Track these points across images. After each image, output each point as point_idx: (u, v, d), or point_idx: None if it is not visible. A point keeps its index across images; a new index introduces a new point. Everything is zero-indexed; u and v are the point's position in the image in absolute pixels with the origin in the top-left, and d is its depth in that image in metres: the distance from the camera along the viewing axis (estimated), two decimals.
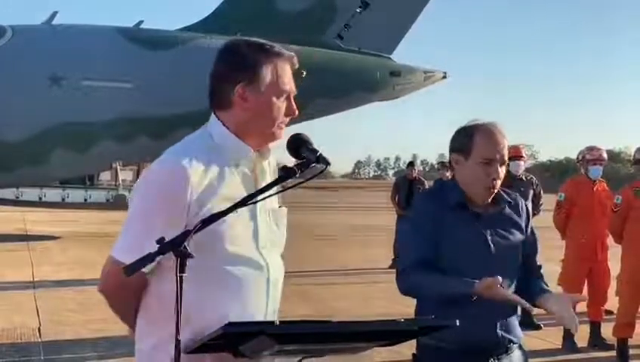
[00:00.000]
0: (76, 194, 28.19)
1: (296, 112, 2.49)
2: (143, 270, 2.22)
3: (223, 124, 2.46)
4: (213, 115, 2.51)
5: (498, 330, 3.19)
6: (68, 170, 18.67)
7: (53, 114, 16.24)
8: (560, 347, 8.33)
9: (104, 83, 16.76)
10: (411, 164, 16.59)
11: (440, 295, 3.05)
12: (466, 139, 3.24)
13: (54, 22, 18.10)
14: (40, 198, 24.67)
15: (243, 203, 2.23)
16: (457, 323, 2.37)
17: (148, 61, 17.10)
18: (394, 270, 12.45)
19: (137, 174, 34.33)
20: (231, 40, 2.55)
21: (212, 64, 2.50)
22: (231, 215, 2.24)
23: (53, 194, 25.94)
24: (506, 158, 3.24)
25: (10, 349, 7.53)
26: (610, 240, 8.55)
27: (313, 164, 2.28)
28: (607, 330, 8.32)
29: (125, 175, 32.06)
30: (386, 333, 2.34)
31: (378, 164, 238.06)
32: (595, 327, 8.57)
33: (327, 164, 2.27)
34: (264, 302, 2.44)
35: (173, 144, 2.48)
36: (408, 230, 3.29)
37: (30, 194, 22.85)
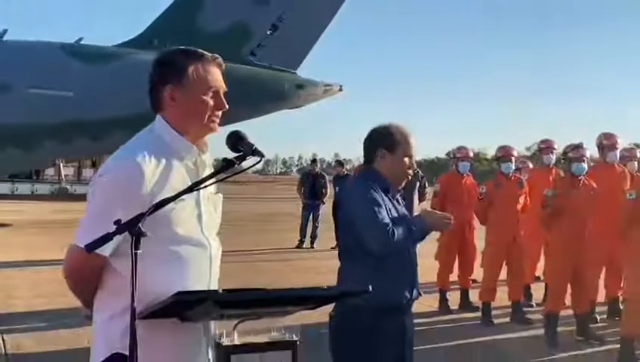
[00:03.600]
0: (24, 187, 27.24)
1: (226, 106, 2.39)
2: (105, 254, 2.18)
3: (167, 123, 2.37)
4: (158, 115, 2.41)
5: (414, 290, 3.24)
6: (17, 166, 17.98)
7: (3, 117, 15.64)
8: (437, 309, 8.54)
9: (48, 91, 16.21)
10: (314, 161, 16.76)
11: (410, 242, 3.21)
12: (390, 136, 3.32)
13: (5, 38, 17.49)
14: None
15: (189, 190, 2.16)
16: (371, 289, 2.36)
17: (87, 73, 16.63)
18: (301, 249, 12.57)
19: (78, 170, 33.53)
20: (164, 50, 2.48)
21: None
22: (179, 202, 2.17)
23: (2, 187, 24.91)
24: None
25: None
26: (476, 222, 8.79)
27: (249, 157, 2.22)
28: (474, 295, 8.56)
29: (67, 170, 31.34)
30: (312, 298, 2.33)
31: (284, 162, 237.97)
32: (465, 293, 8.82)
33: (262, 156, 2.21)
34: (207, 276, 2.37)
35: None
36: (369, 208, 3.16)
37: None
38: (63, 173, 30.14)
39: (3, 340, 6.48)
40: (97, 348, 2.27)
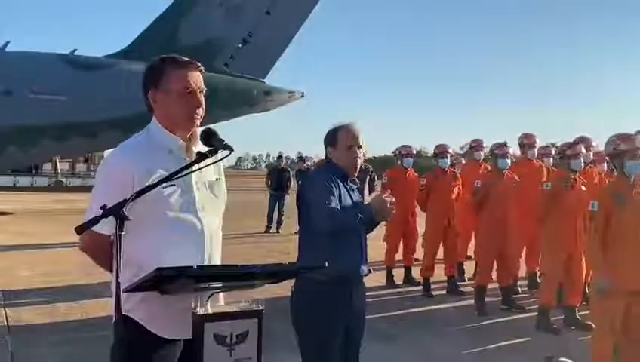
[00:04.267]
0: (24, 180, 26.69)
1: (202, 103, 2.36)
2: (104, 233, 2.20)
3: (157, 122, 2.37)
4: (153, 116, 2.40)
5: (362, 266, 3.24)
6: (18, 162, 17.63)
7: (6, 119, 15.26)
8: (384, 284, 8.58)
9: (46, 96, 15.85)
10: (280, 158, 16.67)
11: (354, 223, 3.11)
12: (332, 134, 3.31)
13: (7, 49, 17.03)
14: None
15: (167, 178, 2.13)
16: (327, 265, 2.36)
17: (81, 79, 16.28)
18: (269, 233, 12.52)
19: (72, 165, 32.93)
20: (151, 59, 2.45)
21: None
22: (168, 188, 2.19)
23: (5, 180, 24.38)
24: (362, 144, 3.29)
25: None
26: (418, 209, 8.85)
27: (220, 150, 2.20)
28: (415, 272, 8.62)
29: (63, 165, 30.77)
30: (275, 273, 2.31)
31: (254, 159, 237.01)
32: (408, 270, 8.89)
33: (231, 150, 2.20)
34: (200, 253, 2.32)
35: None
36: (320, 193, 3.14)
37: None
38: (59, 167, 29.50)
39: (5, 313, 6.33)
40: (113, 310, 2.25)
